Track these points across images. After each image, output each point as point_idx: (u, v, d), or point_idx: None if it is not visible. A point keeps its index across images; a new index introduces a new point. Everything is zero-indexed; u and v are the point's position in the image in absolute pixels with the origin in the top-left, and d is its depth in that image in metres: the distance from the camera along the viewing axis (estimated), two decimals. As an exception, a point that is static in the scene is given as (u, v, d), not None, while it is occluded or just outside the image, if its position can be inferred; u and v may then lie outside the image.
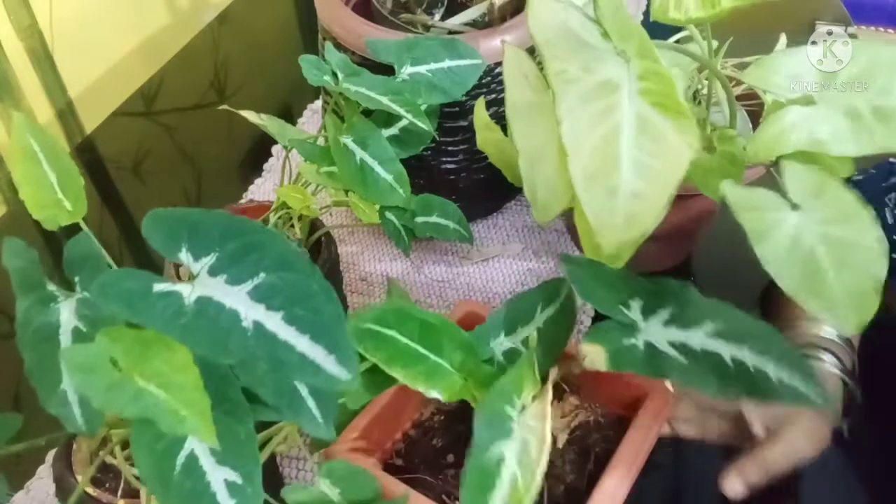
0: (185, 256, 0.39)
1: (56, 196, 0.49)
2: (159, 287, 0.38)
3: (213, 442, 0.35)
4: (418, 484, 0.53)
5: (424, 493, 0.51)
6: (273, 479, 0.41)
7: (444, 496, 0.53)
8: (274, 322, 0.38)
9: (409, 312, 0.50)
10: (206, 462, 0.38)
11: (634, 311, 0.50)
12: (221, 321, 0.37)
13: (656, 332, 0.49)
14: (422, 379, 0.48)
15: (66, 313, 0.43)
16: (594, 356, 0.47)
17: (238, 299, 0.38)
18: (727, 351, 0.48)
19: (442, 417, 0.59)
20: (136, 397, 0.36)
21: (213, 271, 0.39)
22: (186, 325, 0.37)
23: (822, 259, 0.54)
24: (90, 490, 0.51)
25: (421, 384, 0.47)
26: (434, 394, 0.47)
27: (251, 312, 0.38)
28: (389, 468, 0.55)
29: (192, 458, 0.38)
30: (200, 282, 0.39)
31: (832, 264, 0.54)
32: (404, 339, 0.49)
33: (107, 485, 0.52)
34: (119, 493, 0.52)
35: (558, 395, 0.56)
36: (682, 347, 0.48)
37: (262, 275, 0.39)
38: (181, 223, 0.40)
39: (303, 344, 0.37)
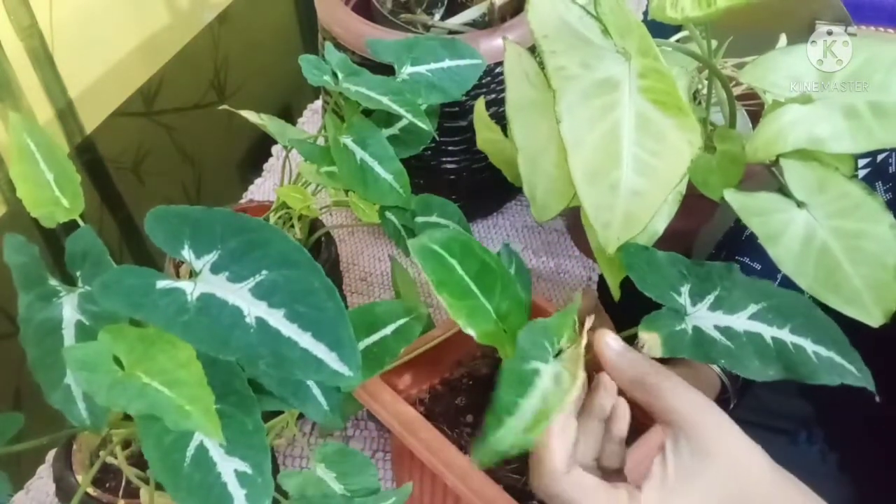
0: (187, 254, 0.39)
1: (53, 193, 0.49)
2: (162, 284, 0.38)
3: (219, 437, 0.35)
4: None
5: None
6: (274, 475, 0.41)
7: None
8: (276, 319, 0.38)
9: (475, 249, 0.50)
10: (216, 453, 0.38)
11: (684, 296, 0.51)
12: (224, 318, 0.37)
13: (703, 316, 0.50)
14: (464, 313, 0.47)
15: (69, 308, 0.43)
16: (651, 343, 0.48)
17: (240, 296, 0.38)
18: (768, 332, 0.49)
19: (470, 382, 0.63)
20: (140, 394, 0.36)
21: (216, 268, 0.39)
22: (189, 322, 0.37)
23: (837, 253, 0.54)
24: (91, 490, 0.51)
25: (462, 318, 0.47)
26: (470, 331, 0.47)
27: (253, 309, 0.38)
28: None
29: (202, 450, 0.38)
30: (203, 279, 0.39)
31: (847, 257, 0.53)
32: (461, 272, 0.49)
33: (107, 485, 0.52)
34: (120, 493, 0.52)
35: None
36: (726, 331, 0.49)
37: (265, 272, 0.39)
38: (184, 220, 0.40)
39: (305, 341, 0.37)
